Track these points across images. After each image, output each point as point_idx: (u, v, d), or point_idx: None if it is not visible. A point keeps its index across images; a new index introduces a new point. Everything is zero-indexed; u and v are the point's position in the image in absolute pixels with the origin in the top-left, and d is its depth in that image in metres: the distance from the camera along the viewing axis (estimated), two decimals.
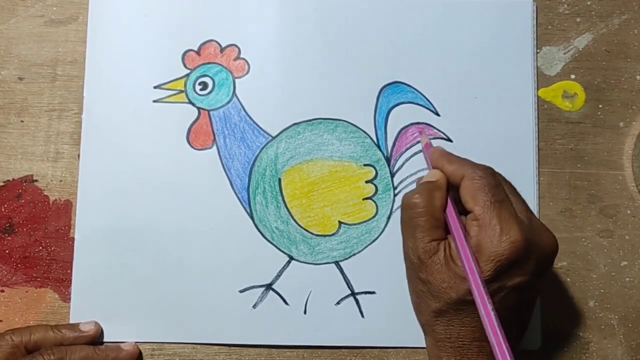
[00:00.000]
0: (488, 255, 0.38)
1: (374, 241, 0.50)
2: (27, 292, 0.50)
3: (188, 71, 0.51)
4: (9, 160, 0.51)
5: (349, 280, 0.50)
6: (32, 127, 0.51)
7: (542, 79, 0.52)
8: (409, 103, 0.51)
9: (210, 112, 0.51)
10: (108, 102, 0.51)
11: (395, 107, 0.51)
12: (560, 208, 0.51)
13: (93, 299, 0.49)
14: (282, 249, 0.50)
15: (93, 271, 0.49)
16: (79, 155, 0.50)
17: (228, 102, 0.51)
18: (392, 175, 0.51)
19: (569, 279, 0.51)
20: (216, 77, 0.51)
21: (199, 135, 0.51)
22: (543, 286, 0.42)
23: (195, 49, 0.51)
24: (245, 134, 0.51)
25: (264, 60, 0.51)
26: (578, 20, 0.53)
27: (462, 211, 0.41)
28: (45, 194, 0.51)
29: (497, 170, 0.42)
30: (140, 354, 0.49)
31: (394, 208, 0.51)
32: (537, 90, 0.52)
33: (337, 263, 0.50)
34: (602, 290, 0.51)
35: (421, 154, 0.51)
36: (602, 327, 0.51)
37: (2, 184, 0.51)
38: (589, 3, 0.53)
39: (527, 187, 0.50)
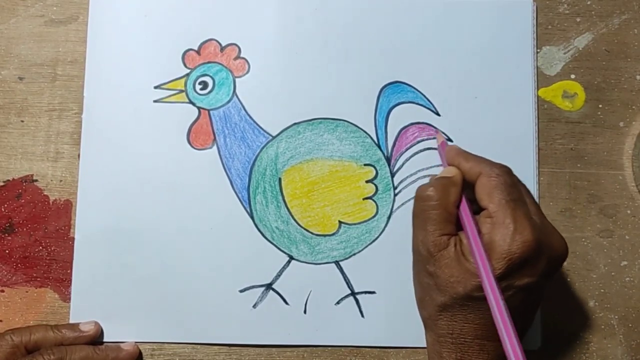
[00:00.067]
0: (500, 252, 0.38)
1: (374, 241, 0.50)
2: (27, 292, 0.50)
3: (188, 71, 0.51)
4: (9, 160, 0.51)
5: (349, 280, 0.50)
6: (32, 127, 0.51)
7: (542, 79, 0.52)
8: (410, 103, 0.51)
9: (211, 112, 0.51)
10: (108, 102, 0.51)
11: (395, 106, 0.51)
12: (560, 208, 0.51)
13: (93, 299, 0.49)
14: (282, 249, 0.50)
15: (93, 271, 0.49)
16: (79, 155, 0.50)
17: (228, 102, 0.51)
18: (393, 175, 0.51)
19: (569, 279, 0.51)
20: (216, 76, 0.51)
21: (199, 135, 0.51)
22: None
23: (196, 48, 0.51)
24: (246, 134, 0.51)
25: (265, 60, 0.51)
26: (578, 20, 0.53)
27: (475, 211, 0.41)
28: (45, 194, 0.51)
29: None
30: (140, 354, 0.49)
31: (394, 208, 0.50)
32: (537, 90, 0.52)
33: (337, 263, 0.50)
34: (602, 290, 0.51)
35: (421, 153, 0.51)
36: (602, 327, 0.51)
37: (2, 184, 0.51)
38: (589, 3, 0.53)
39: (527, 187, 0.50)
